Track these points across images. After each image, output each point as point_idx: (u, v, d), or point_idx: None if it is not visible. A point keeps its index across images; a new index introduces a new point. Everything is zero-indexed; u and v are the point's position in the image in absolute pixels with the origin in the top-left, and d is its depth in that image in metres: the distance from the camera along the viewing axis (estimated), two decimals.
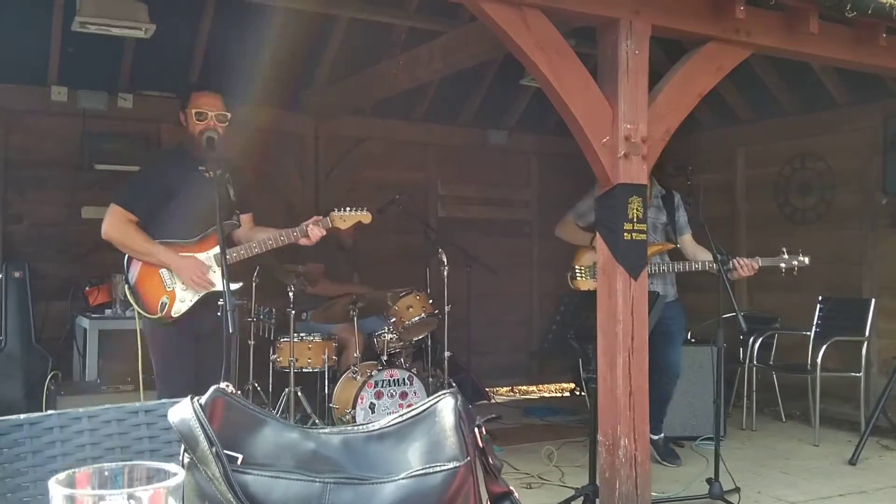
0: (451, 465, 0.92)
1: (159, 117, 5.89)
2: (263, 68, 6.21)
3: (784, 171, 6.80)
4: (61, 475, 0.62)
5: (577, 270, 4.78)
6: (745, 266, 4.42)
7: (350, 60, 6.02)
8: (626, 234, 3.49)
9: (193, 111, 3.50)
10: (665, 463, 4.77)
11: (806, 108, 6.62)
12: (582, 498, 3.67)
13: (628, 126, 3.50)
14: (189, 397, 0.97)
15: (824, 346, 5.56)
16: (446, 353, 5.35)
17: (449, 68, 4.84)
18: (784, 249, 4.52)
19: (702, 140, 7.10)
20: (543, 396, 7.60)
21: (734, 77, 6.26)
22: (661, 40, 3.82)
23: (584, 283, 4.71)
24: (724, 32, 3.76)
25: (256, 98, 6.37)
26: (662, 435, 4.88)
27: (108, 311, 5.26)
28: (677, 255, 4.85)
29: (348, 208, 3.58)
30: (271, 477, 0.93)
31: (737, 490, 4.05)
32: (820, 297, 6.11)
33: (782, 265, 4.53)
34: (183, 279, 3.40)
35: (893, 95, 5.97)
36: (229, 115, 3.55)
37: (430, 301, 5.36)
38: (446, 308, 5.23)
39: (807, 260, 4.52)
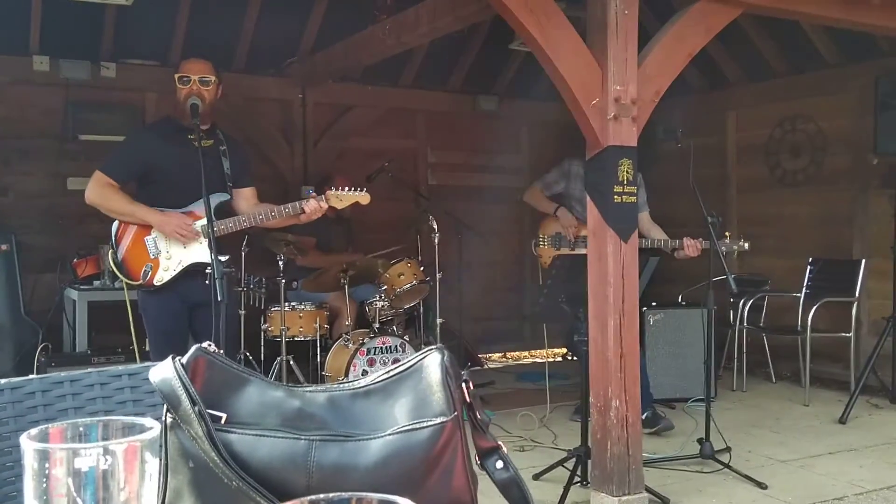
0: (438, 421, 0.90)
1: (143, 86, 5.82)
2: (248, 35, 6.13)
3: (775, 133, 6.78)
4: (33, 431, 0.60)
5: (540, 239, 4.98)
6: (691, 246, 4.55)
7: (336, 26, 5.93)
8: (616, 196, 3.47)
9: (177, 76, 3.47)
10: (653, 427, 4.63)
11: (796, 69, 6.58)
12: (574, 459, 3.69)
13: (618, 88, 3.46)
14: (170, 357, 0.95)
15: (814, 308, 5.59)
16: (438, 320, 5.35)
17: (436, 32, 4.77)
18: (727, 234, 4.67)
19: (692, 103, 7.06)
20: (536, 362, 7.63)
21: (724, 39, 6.22)
22: (651, 0, 3.77)
23: (546, 252, 4.91)
24: None
25: (242, 65, 6.31)
26: (652, 409, 4.76)
27: (96, 283, 5.23)
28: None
29: (346, 188, 3.54)
30: (256, 435, 0.92)
31: (728, 449, 4.09)
32: (810, 259, 6.13)
33: (723, 248, 4.52)
34: (167, 233, 3.38)
35: (884, 55, 5.94)
36: (213, 78, 3.50)
37: (422, 268, 5.35)
38: (437, 275, 5.22)
39: (746, 245, 4.62)
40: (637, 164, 3.54)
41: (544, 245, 4.97)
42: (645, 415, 4.69)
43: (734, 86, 7.06)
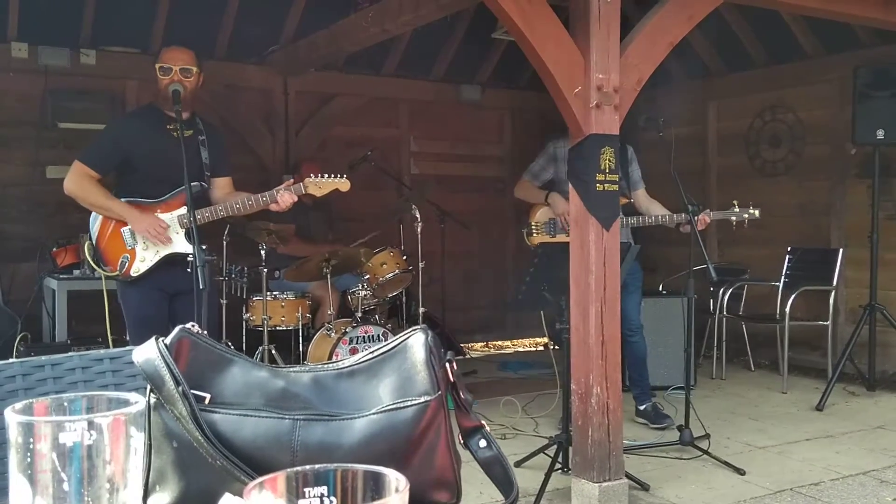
0: (421, 400, 0.91)
1: (123, 74, 5.76)
2: (230, 22, 6.08)
3: (755, 123, 6.83)
4: (18, 405, 0.60)
5: (532, 227, 4.82)
6: (698, 220, 4.37)
7: (318, 14, 5.90)
8: (598, 184, 3.48)
9: (158, 66, 3.45)
10: (656, 426, 4.58)
11: (776, 59, 6.63)
12: (555, 446, 3.72)
13: (600, 76, 3.47)
14: (154, 338, 0.95)
15: (793, 296, 5.64)
16: (421, 309, 5.35)
17: (419, 20, 4.75)
18: (735, 202, 4.60)
19: (674, 93, 7.08)
20: (518, 351, 7.66)
21: (706, 29, 6.25)
22: None
23: (538, 238, 4.78)
24: None
25: (223, 53, 6.26)
26: (652, 402, 4.72)
27: (76, 272, 5.18)
28: (629, 210, 4.74)
29: (325, 175, 3.53)
30: (240, 415, 0.92)
31: (707, 436, 4.13)
32: (789, 248, 6.19)
33: (733, 218, 4.57)
34: (139, 232, 3.37)
35: (863, 45, 5.99)
36: (195, 69, 3.48)
37: (404, 257, 5.35)
38: (420, 264, 5.23)
39: (756, 213, 4.55)
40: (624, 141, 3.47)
41: (538, 233, 4.78)
42: (644, 407, 4.72)
43: (715, 76, 7.10)
